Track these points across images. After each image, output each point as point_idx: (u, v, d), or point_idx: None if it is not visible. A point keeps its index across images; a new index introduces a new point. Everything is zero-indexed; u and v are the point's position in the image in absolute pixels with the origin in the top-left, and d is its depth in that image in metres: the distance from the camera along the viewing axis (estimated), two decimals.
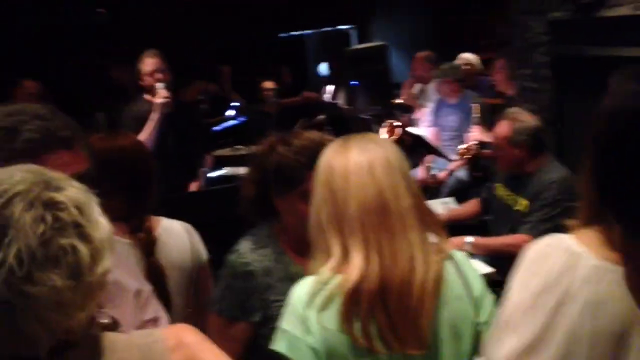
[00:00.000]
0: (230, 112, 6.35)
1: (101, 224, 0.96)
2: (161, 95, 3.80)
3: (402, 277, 1.39)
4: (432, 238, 1.48)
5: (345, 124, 5.56)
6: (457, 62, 5.96)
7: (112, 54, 7.10)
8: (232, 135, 5.83)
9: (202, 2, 8.60)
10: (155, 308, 1.60)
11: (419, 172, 5.17)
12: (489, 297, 1.54)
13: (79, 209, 0.92)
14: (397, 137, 4.92)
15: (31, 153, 1.23)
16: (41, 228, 0.87)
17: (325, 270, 1.43)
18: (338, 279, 1.40)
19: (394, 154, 1.47)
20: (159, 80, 3.84)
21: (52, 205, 0.90)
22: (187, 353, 1.06)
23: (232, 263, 1.88)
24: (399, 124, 5.10)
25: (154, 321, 1.58)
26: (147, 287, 1.60)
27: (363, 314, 1.37)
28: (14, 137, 1.24)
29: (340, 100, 6.34)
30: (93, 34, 8.12)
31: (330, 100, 6.25)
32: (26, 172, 0.94)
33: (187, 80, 6.79)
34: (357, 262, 1.39)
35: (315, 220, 1.47)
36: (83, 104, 6.52)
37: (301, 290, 1.45)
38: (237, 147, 5.49)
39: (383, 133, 5.12)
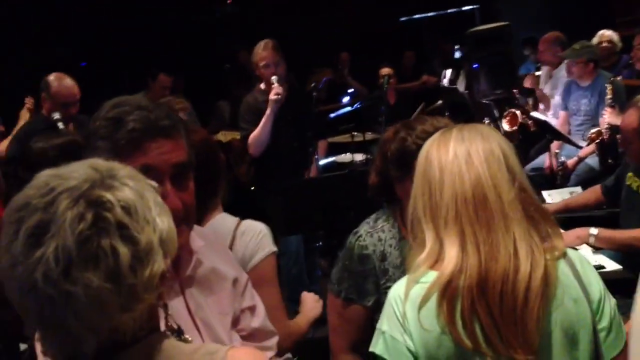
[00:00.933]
0: (346, 99, 6.35)
1: (155, 226, 0.93)
2: (275, 91, 3.80)
3: (503, 273, 1.29)
4: (544, 235, 1.37)
5: (465, 110, 5.36)
6: (595, 39, 5.55)
7: (240, 40, 7.34)
8: (348, 122, 5.82)
9: None
10: (252, 296, 1.62)
11: (546, 160, 4.88)
12: (610, 301, 1.41)
13: (126, 209, 0.90)
14: (518, 125, 4.67)
15: (134, 142, 1.27)
16: (80, 227, 0.86)
17: (419, 264, 1.37)
18: (434, 274, 1.34)
19: (499, 144, 1.38)
20: (272, 74, 3.84)
21: (97, 204, 0.88)
22: None
23: (350, 245, 1.93)
24: (521, 111, 4.83)
25: (250, 309, 1.60)
26: (244, 276, 1.61)
27: (465, 311, 1.29)
28: (118, 127, 1.28)
29: (460, 85, 6.12)
30: (222, 23, 8.45)
31: (450, 84, 6.05)
32: (89, 167, 0.93)
33: (316, 67, 6.88)
34: (451, 254, 1.32)
35: (412, 212, 1.43)
36: (210, 93, 6.83)
37: (398, 289, 1.40)
38: (353, 133, 5.48)
39: (504, 123, 4.88)
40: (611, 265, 2.72)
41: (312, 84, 4.06)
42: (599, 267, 2.68)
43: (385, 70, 5.81)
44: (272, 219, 3.80)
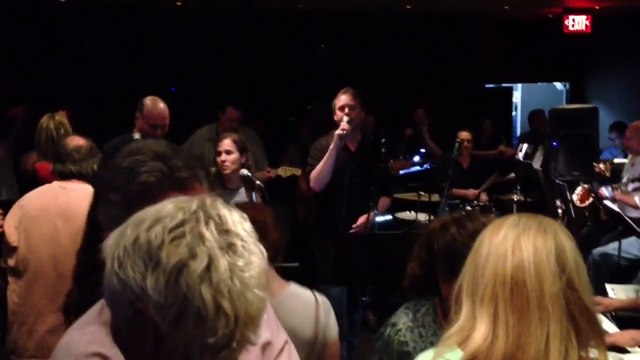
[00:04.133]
0: (416, 158, 6.35)
1: None
2: (341, 127, 3.88)
3: None
4: (584, 343, 1.28)
5: (536, 187, 5.25)
6: None
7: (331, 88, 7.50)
8: (418, 180, 5.80)
9: (412, 50, 8.75)
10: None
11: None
12: None
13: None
14: (589, 204, 4.53)
15: (146, 194, 1.24)
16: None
17: (449, 336, 1.35)
18: (460, 354, 1.31)
19: (556, 237, 1.33)
20: (346, 115, 3.92)
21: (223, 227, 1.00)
22: None
23: (389, 339, 1.82)
24: (594, 197, 4.69)
25: None
26: (281, 339, 1.50)
27: None
28: (131, 178, 1.26)
29: (536, 161, 6.00)
30: (314, 67, 8.67)
31: (525, 158, 5.94)
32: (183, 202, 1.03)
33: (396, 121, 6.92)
34: (479, 333, 1.29)
35: (458, 286, 1.40)
36: (280, 134, 6.98)
37: (424, 359, 1.39)
38: (420, 192, 5.46)
39: (575, 195, 4.75)
40: None
41: (383, 140, 4.07)
42: None
43: (462, 135, 5.78)
44: (320, 265, 3.84)
